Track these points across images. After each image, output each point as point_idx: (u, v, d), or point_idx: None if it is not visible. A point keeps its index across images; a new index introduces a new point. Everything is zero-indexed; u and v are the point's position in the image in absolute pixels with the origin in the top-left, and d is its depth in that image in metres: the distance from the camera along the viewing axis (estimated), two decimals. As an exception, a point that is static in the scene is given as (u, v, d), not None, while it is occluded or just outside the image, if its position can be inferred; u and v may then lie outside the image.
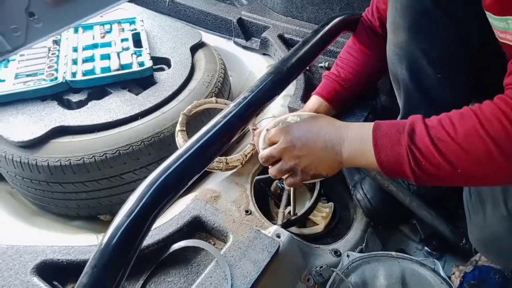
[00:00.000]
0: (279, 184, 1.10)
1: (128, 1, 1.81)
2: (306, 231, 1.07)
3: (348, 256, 0.95)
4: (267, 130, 0.82)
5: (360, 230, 1.06)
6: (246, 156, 1.12)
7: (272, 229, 0.91)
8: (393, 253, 0.96)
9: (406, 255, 0.96)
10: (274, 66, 0.90)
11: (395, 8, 0.86)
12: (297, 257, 0.93)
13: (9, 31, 0.45)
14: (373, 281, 0.93)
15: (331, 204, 1.09)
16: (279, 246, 0.86)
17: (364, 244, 1.04)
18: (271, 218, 1.07)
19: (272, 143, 0.78)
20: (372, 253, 0.96)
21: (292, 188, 0.98)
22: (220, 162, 1.08)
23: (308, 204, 1.03)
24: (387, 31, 0.93)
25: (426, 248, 1.12)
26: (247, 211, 0.98)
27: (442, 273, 0.91)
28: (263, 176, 1.11)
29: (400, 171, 0.63)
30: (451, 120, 0.59)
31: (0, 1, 0.43)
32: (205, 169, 0.74)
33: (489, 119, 0.56)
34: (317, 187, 1.06)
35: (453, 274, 1.03)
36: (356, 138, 0.68)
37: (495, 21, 0.61)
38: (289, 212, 1.02)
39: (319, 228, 1.06)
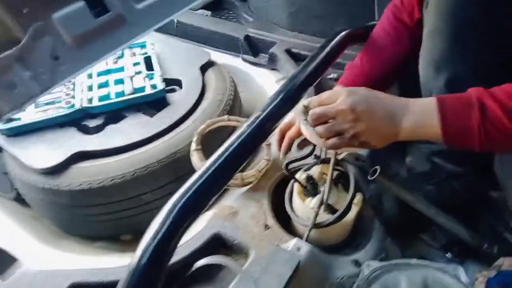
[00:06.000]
0: (307, 174, 1.04)
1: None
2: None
3: (368, 266, 0.96)
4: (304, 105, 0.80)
5: (379, 240, 1.07)
6: (260, 172, 1.14)
7: (291, 243, 0.92)
8: (414, 260, 0.96)
9: (427, 261, 0.96)
10: (284, 84, 0.93)
11: (438, 13, 0.84)
12: (318, 269, 0.94)
13: (37, 75, 0.48)
14: (394, 291, 0.93)
15: (360, 194, 1.02)
16: (299, 260, 0.87)
17: (384, 254, 1.04)
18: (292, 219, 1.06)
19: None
20: (392, 262, 0.96)
21: (329, 175, 0.95)
22: (236, 179, 1.10)
23: (344, 203, 0.96)
24: (423, 36, 0.90)
25: (447, 254, 1.11)
26: (266, 226, 1.00)
27: (465, 279, 0.91)
28: (294, 164, 1.06)
29: (467, 142, 0.67)
30: None
31: (29, 50, 0.47)
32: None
33: None
34: (352, 182, 0.99)
35: (477, 280, 1.02)
36: (419, 111, 0.70)
37: None
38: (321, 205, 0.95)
39: (351, 216, 0.99)
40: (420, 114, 0.70)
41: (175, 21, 1.89)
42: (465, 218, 1.04)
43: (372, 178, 0.96)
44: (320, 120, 0.75)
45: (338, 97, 0.73)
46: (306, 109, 0.81)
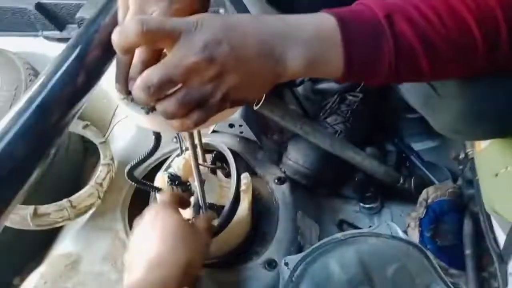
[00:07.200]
0: (168, 174, 0.71)
1: None
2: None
3: (287, 264, 0.69)
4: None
5: (289, 220, 0.81)
6: (101, 184, 0.75)
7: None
8: (339, 235, 0.72)
9: (354, 231, 0.73)
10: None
11: None
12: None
13: None
14: (329, 281, 0.69)
15: (246, 174, 0.77)
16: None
17: (299, 237, 0.79)
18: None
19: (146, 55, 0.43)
20: (314, 247, 0.71)
21: (197, 174, 0.61)
22: (62, 209, 0.69)
23: (228, 201, 0.69)
24: None
25: (363, 204, 0.94)
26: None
27: (402, 235, 0.71)
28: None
29: (370, 78, 0.48)
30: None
31: None
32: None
33: None
34: (233, 170, 0.72)
35: (408, 226, 0.85)
36: (313, 38, 0.45)
37: None
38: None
39: (244, 207, 0.73)
40: (314, 44, 0.45)
41: None
42: (377, 152, 0.95)
43: (256, 106, 0.76)
44: (162, 92, 0.40)
45: (175, 38, 0.39)
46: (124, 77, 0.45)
